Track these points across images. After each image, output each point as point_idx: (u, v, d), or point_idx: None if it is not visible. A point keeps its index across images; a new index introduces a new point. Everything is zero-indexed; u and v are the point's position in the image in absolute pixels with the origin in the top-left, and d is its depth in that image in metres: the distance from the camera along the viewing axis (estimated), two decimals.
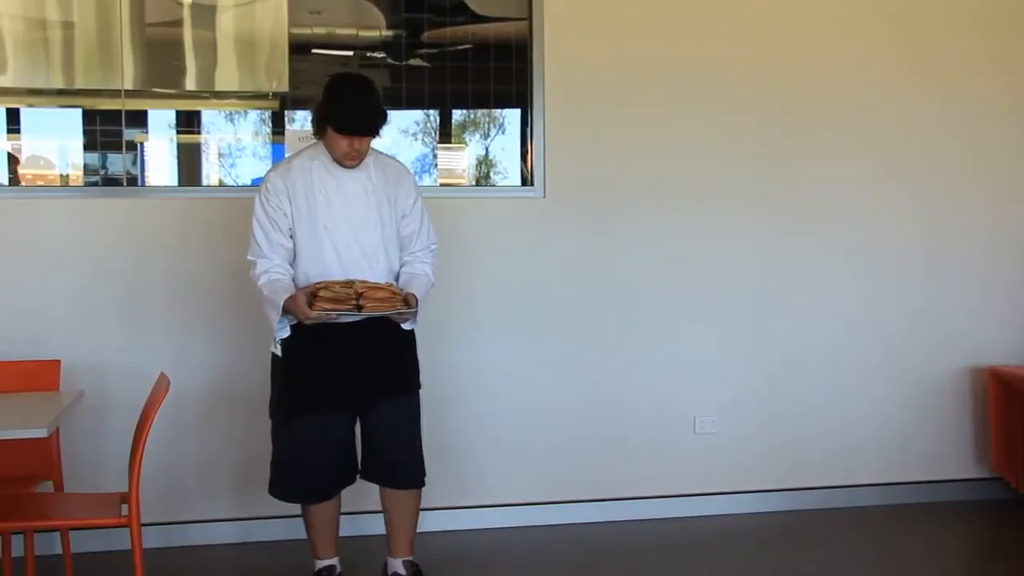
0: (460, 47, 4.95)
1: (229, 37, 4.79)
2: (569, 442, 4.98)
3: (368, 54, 4.93)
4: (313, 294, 3.52)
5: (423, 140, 5.05)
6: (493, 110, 5.06)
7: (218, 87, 4.85)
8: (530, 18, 4.89)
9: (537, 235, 4.93)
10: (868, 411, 5.26)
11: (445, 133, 5.11)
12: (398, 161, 3.98)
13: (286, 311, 3.60)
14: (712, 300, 5.11)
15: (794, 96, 5.14)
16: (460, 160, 5.09)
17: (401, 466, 3.85)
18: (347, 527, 4.25)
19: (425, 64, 4.96)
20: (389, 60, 4.92)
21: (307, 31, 4.87)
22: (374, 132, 3.63)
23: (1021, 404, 5.11)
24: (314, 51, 4.90)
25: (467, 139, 5.11)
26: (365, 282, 3.61)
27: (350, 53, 4.93)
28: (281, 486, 3.85)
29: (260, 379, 3.97)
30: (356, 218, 3.71)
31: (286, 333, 3.69)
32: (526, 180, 4.98)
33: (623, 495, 5.04)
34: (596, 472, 5.03)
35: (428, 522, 4.61)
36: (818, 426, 5.22)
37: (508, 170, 5.08)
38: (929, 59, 5.27)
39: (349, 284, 3.57)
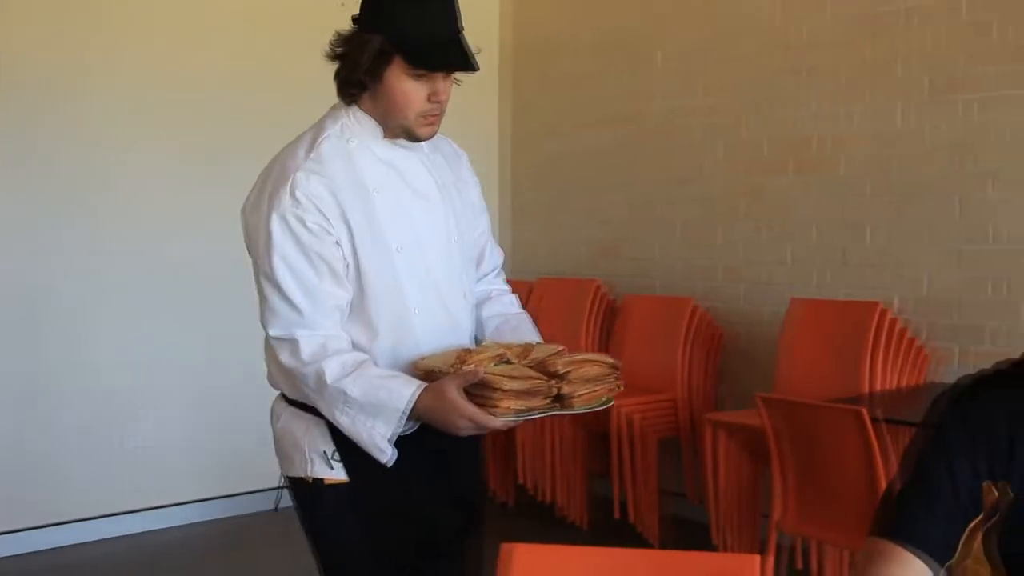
0: None
1: None
2: None
3: None
4: (481, 384, 1.97)
5: None
6: None
7: None
8: None
9: None
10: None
11: None
12: (444, 137, 2.35)
13: (410, 418, 2.03)
14: (136, 308, 4.96)
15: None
16: None
17: None
18: None
19: None
20: None
21: None
22: (471, 63, 2.07)
23: None
24: None
25: None
26: (530, 347, 2.13)
27: None
28: None
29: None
30: (435, 230, 2.19)
31: (395, 454, 2.06)
32: None
33: (45, 522, 4.72)
34: (15, 499, 4.66)
35: None
36: (254, 427, 5.23)
37: None
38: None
39: (502, 355, 2.08)
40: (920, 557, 1.68)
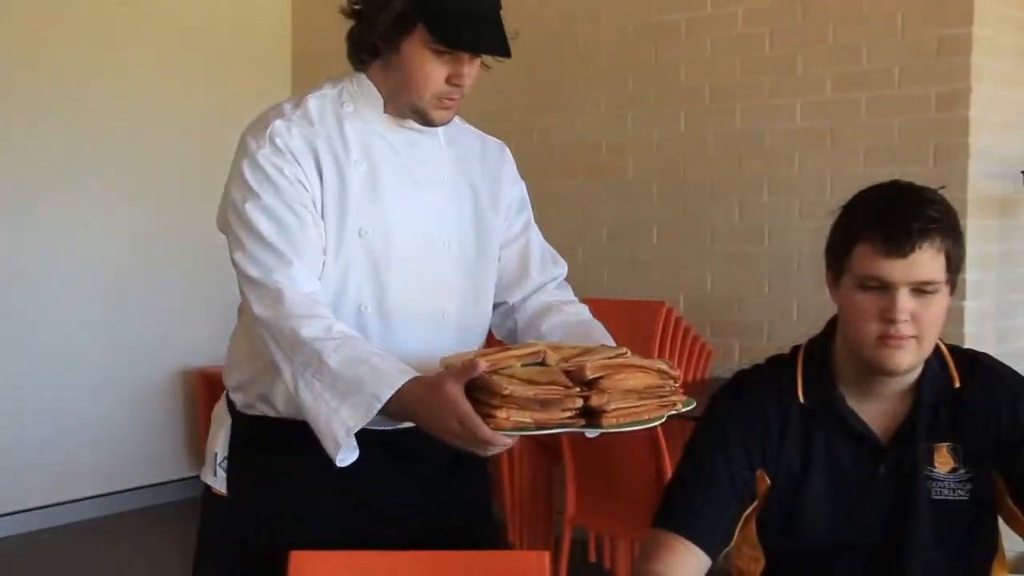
0: None
1: None
2: None
3: None
4: (484, 387, 1.57)
5: None
6: None
7: None
8: None
9: None
10: (86, 422, 5.20)
11: None
12: (479, 132, 2.09)
13: (391, 414, 1.65)
14: None
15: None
16: None
17: None
18: None
19: None
20: None
21: None
22: (504, 46, 1.86)
23: None
24: None
25: None
26: (588, 349, 1.73)
27: None
28: None
29: None
30: (428, 223, 1.88)
31: (354, 455, 1.67)
32: None
33: None
34: None
35: None
36: (35, 444, 5.03)
37: None
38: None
39: (537, 354, 1.66)
40: (691, 546, 1.75)
